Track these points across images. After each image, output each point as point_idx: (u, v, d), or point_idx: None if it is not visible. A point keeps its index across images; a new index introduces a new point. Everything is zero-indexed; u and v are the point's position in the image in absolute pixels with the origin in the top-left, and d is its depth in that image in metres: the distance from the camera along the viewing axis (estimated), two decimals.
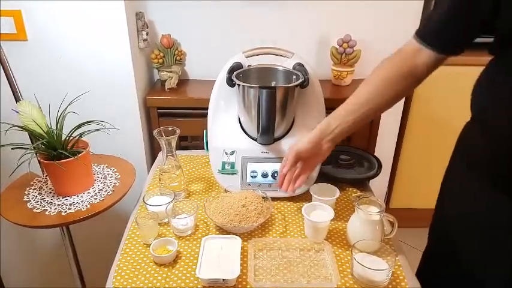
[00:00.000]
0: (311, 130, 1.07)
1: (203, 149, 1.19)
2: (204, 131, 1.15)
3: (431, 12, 0.85)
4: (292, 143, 0.95)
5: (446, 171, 0.96)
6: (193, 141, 1.57)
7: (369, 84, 0.89)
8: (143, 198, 1.01)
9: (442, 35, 0.81)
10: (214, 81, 1.12)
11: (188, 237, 0.95)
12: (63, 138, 1.06)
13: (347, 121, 0.89)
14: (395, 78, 0.86)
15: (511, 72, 0.73)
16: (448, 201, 0.93)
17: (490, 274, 0.83)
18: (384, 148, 1.83)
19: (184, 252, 0.90)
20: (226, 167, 1.08)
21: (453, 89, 1.58)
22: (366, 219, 0.89)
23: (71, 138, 1.07)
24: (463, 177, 0.87)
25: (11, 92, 1.15)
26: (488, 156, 0.80)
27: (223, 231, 0.97)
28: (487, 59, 0.79)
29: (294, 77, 1.07)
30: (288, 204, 1.07)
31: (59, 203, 1.06)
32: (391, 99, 0.89)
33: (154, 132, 1.04)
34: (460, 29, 0.79)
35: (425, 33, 0.83)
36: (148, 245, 0.90)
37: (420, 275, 0.87)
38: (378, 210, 0.89)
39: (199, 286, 0.81)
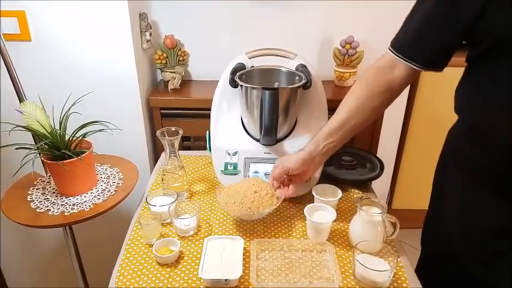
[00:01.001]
0: (314, 131, 1.08)
1: (206, 149, 1.19)
2: (207, 132, 1.15)
3: (406, 23, 0.82)
4: (281, 159, 0.95)
5: (436, 173, 0.97)
6: (196, 141, 1.58)
7: (348, 101, 0.90)
8: (146, 199, 1.02)
9: (419, 46, 0.80)
10: (217, 82, 1.13)
11: (191, 238, 0.95)
12: (66, 139, 1.07)
13: (332, 140, 0.91)
14: (373, 94, 0.87)
15: (503, 83, 0.73)
16: (444, 203, 0.94)
17: (492, 276, 0.84)
18: (386, 149, 1.83)
19: (187, 253, 0.90)
20: (228, 167, 1.09)
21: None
22: (367, 220, 0.89)
23: (75, 138, 1.08)
24: (457, 180, 0.88)
25: (14, 92, 1.15)
26: (484, 163, 0.81)
27: (225, 231, 0.97)
28: None
29: (297, 78, 1.08)
30: (290, 205, 1.07)
31: (62, 203, 1.06)
32: (370, 115, 0.90)
33: (158, 132, 1.05)
34: (437, 39, 0.77)
35: (402, 46, 0.82)
36: (151, 245, 0.90)
37: (419, 275, 0.88)
38: (380, 211, 0.89)
39: (201, 286, 0.81)
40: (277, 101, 0.99)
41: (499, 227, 0.81)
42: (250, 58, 1.11)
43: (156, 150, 1.62)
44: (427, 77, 1.73)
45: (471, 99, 0.81)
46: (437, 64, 0.81)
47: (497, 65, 0.72)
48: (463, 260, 0.88)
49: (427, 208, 1.03)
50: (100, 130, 1.09)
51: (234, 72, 1.06)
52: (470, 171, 0.85)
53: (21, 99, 1.14)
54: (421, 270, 0.98)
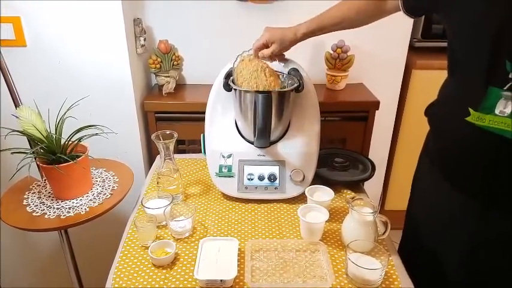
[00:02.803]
0: (307, 134, 1.10)
1: (200, 152, 1.21)
2: (202, 135, 1.17)
3: None
4: (272, 35, 1.07)
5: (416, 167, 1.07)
6: (191, 144, 1.59)
7: (342, 6, 1.05)
8: (141, 201, 1.03)
9: None
10: (211, 85, 1.14)
11: (186, 239, 0.96)
12: (62, 143, 1.07)
13: (316, 34, 1.09)
14: (364, 7, 1.02)
15: (450, 76, 0.86)
16: (416, 191, 1.05)
17: (447, 254, 0.92)
18: (378, 152, 1.86)
19: (182, 254, 0.91)
20: (223, 170, 1.10)
21: None
22: (359, 220, 0.91)
23: (70, 142, 1.09)
24: (426, 170, 1.00)
25: (10, 97, 1.16)
26: (437, 152, 0.92)
27: (220, 233, 0.98)
28: None
29: (289, 81, 1.10)
30: (284, 206, 1.09)
31: (58, 206, 1.07)
32: (357, 23, 1.07)
33: (152, 136, 1.06)
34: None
35: None
36: (147, 247, 0.91)
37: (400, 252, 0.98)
38: (371, 211, 0.91)
39: (197, 287, 0.82)
40: (270, 104, 1.01)
41: (459, 214, 0.88)
42: None
43: (151, 154, 1.63)
44: (419, 79, 1.76)
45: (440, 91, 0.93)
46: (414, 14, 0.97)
47: (453, 52, 0.84)
48: (425, 238, 0.98)
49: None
50: (95, 134, 1.10)
51: (227, 76, 1.08)
52: (431, 161, 0.95)
53: (17, 104, 1.15)
54: (401, 249, 1.09)
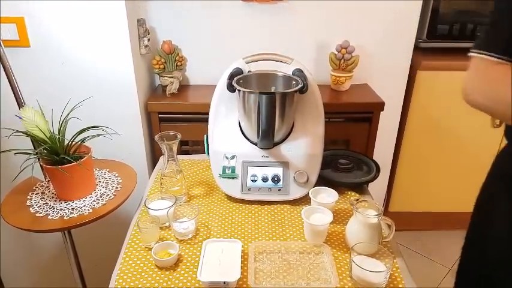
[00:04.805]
0: (311, 135, 1.09)
1: (204, 153, 1.20)
2: (205, 136, 1.16)
3: (495, 27, 0.74)
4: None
5: (481, 200, 0.94)
6: (194, 145, 1.59)
7: None
8: (145, 203, 1.02)
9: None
10: (214, 86, 1.14)
11: (189, 241, 0.96)
12: (65, 144, 1.07)
13: None
14: None
15: None
16: (487, 214, 0.92)
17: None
18: (383, 153, 1.85)
19: (186, 256, 0.91)
20: (226, 171, 1.10)
21: (452, 94, 1.60)
22: (364, 222, 0.90)
23: (74, 143, 1.08)
24: (499, 198, 0.87)
25: (14, 97, 1.16)
26: None
27: (223, 234, 0.98)
28: None
29: (293, 82, 1.09)
30: (288, 207, 1.08)
31: (61, 207, 1.07)
32: None
33: (156, 137, 1.06)
34: None
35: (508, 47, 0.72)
36: (150, 249, 0.91)
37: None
38: (376, 213, 0.90)
39: None
40: (274, 105, 1.00)
41: None
42: (247, 63, 1.12)
43: (154, 155, 1.63)
44: (424, 80, 1.75)
45: None
46: None
47: None
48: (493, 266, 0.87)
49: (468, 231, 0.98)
50: (99, 135, 1.10)
51: (231, 77, 1.08)
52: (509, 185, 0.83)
53: (20, 105, 1.15)
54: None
